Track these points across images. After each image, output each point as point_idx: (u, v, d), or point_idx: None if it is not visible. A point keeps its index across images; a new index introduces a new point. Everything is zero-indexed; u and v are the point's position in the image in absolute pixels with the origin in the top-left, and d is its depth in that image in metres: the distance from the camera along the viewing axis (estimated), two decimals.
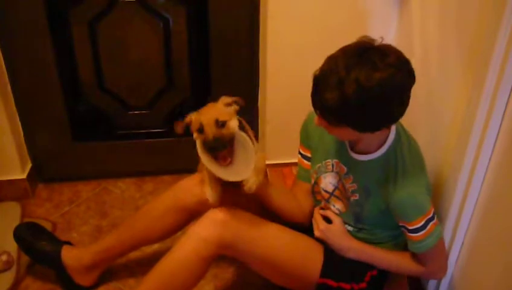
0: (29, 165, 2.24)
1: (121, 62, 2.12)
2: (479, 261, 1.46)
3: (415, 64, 1.79)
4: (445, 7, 1.65)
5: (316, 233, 1.53)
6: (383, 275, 1.56)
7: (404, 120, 1.46)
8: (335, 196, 1.55)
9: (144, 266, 1.80)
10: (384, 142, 1.40)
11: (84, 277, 1.75)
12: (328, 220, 1.54)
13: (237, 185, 1.42)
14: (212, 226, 1.43)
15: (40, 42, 1.98)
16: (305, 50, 2.01)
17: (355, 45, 1.25)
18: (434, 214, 1.39)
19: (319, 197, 1.60)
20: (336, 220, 1.53)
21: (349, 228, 1.54)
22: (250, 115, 2.20)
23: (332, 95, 1.21)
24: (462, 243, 1.53)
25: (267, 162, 1.57)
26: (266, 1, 1.96)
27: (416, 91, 1.65)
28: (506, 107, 1.31)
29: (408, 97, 1.27)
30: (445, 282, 1.60)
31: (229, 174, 1.41)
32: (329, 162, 1.53)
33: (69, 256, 1.74)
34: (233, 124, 1.43)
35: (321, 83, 1.24)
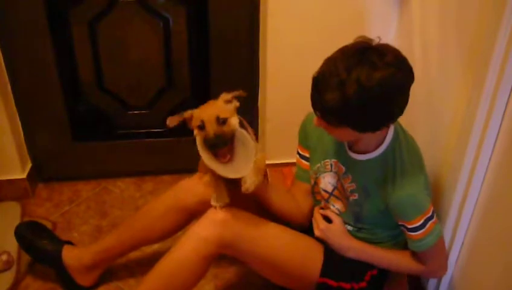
0: (29, 165, 2.24)
1: (121, 62, 2.12)
2: (479, 261, 1.46)
3: (415, 64, 1.80)
4: (445, 7, 1.65)
5: (316, 232, 1.53)
6: (383, 275, 1.57)
7: (404, 120, 1.47)
8: (334, 196, 1.55)
9: (144, 266, 1.80)
10: (383, 141, 1.40)
11: (84, 276, 1.75)
12: (328, 220, 1.54)
13: (237, 185, 1.42)
14: (212, 226, 1.43)
15: (40, 42, 1.98)
16: (305, 50, 2.01)
17: (353, 46, 1.25)
18: (433, 212, 1.39)
19: (318, 197, 1.61)
20: (336, 219, 1.53)
21: (349, 227, 1.54)
22: (250, 114, 2.20)
23: (333, 96, 1.21)
24: (462, 243, 1.53)
25: (267, 162, 1.57)
26: (266, 1, 1.96)
27: (416, 91, 1.65)
28: (506, 107, 1.31)
29: (408, 95, 1.27)
30: (445, 282, 1.60)
31: (228, 172, 1.41)
32: (328, 162, 1.53)
33: (70, 256, 1.74)
34: (234, 121, 1.44)
35: (321, 84, 1.24)
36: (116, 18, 2.01)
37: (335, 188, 1.54)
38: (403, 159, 1.38)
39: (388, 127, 1.37)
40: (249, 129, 1.50)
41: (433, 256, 1.45)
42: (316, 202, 1.63)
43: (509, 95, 1.30)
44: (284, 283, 1.58)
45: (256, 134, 2.03)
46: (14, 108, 2.11)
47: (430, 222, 1.37)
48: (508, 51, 1.26)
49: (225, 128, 1.41)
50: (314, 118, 1.35)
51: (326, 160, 1.54)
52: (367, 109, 1.23)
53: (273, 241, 1.49)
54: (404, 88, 1.25)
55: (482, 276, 1.45)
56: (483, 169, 1.41)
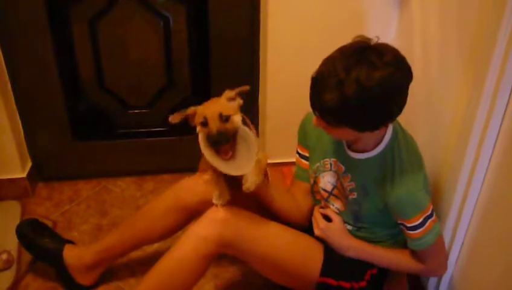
0: (29, 164, 2.24)
1: (121, 61, 2.12)
2: (479, 261, 1.46)
3: (416, 64, 1.80)
4: (445, 7, 1.65)
5: (316, 232, 1.53)
6: (383, 274, 1.57)
7: (404, 120, 1.47)
8: (334, 195, 1.55)
9: (145, 265, 1.80)
10: (381, 140, 1.40)
11: (85, 276, 1.75)
12: (328, 219, 1.54)
13: (238, 184, 1.42)
14: (212, 225, 1.43)
15: (40, 40, 1.98)
16: (306, 49, 2.01)
17: (352, 45, 1.25)
18: (433, 211, 1.39)
19: (318, 197, 1.61)
20: (336, 218, 1.53)
21: (349, 227, 1.54)
22: (250, 114, 2.19)
23: (332, 96, 1.21)
24: (462, 243, 1.53)
25: (267, 161, 1.57)
26: (266, 0, 1.96)
27: (416, 91, 1.65)
28: (506, 107, 1.32)
29: (406, 95, 1.27)
30: (445, 281, 1.60)
31: (230, 169, 1.41)
32: (328, 161, 1.54)
33: (71, 255, 1.74)
34: (237, 118, 1.44)
35: (320, 84, 1.24)
36: (116, 17, 2.01)
37: (334, 187, 1.54)
38: (402, 157, 1.38)
39: (387, 126, 1.37)
40: (251, 127, 1.50)
41: (433, 255, 1.45)
42: (316, 202, 1.63)
43: (510, 94, 1.30)
44: (284, 282, 1.58)
45: (256, 133, 2.03)
46: (14, 107, 2.11)
47: (429, 221, 1.37)
48: (508, 51, 1.26)
49: (228, 125, 1.42)
50: (313, 118, 1.35)
51: (325, 159, 1.54)
52: (366, 109, 1.22)
53: (273, 241, 1.49)
54: (403, 87, 1.25)
55: (482, 276, 1.45)
56: (484, 169, 1.41)
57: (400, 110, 1.28)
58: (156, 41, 2.10)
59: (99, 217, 2.15)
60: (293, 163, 1.69)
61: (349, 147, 1.46)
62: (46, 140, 2.23)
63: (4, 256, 1.82)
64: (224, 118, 1.41)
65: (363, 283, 1.50)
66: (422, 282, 1.72)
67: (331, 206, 1.56)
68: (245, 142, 1.44)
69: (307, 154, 1.62)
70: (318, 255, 1.51)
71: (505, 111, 1.32)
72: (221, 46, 2.12)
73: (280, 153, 2.11)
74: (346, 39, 1.29)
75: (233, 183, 1.47)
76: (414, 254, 1.47)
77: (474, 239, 1.48)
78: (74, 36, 2.04)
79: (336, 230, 1.51)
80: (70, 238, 1.88)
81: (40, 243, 1.74)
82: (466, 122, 1.44)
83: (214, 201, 1.46)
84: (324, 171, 1.55)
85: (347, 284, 1.49)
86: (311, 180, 1.61)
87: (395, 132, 1.41)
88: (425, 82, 1.76)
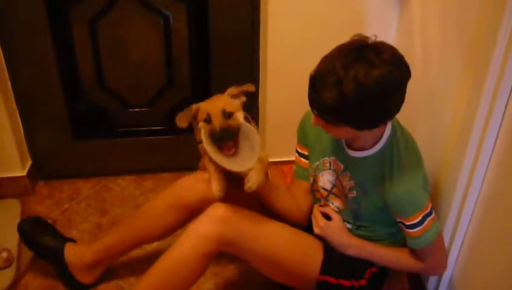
0: (29, 163, 2.25)
1: (121, 60, 2.13)
2: (479, 260, 1.47)
3: (416, 64, 1.80)
4: (445, 7, 1.66)
5: (316, 230, 1.54)
6: (383, 272, 1.57)
7: (405, 119, 1.47)
8: (333, 194, 1.55)
9: (145, 264, 1.81)
10: (380, 138, 1.40)
11: (85, 274, 1.76)
12: (327, 217, 1.54)
13: (238, 183, 1.42)
14: (212, 223, 1.43)
15: (40, 40, 1.98)
16: (306, 49, 2.01)
17: (350, 44, 1.26)
18: (432, 209, 1.39)
19: (318, 196, 1.61)
20: (335, 217, 1.53)
21: (348, 225, 1.54)
22: (250, 113, 2.19)
23: (330, 95, 1.21)
24: (462, 242, 1.53)
25: (268, 160, 1.57)
26: (267, 0, 1.97)
27: (416, 91, 1.65)
28: (506, 106, 1.32)
29: (404, 92, 1.27)
30: (445, 280, 1.61)
31: (233, 165, 1.41)
32: (327, 160, 1.54)
33: (71, 253, 1.74)
34: (240, 115, 1.45)
35: (318, 82, 1.24)
36: (116, 16, 2.01)
37: (334, 186, 1.54)
38: (401, 155, 1.39)
39: (385, 124, 1.37)
40: (253, 124, 1.50)
41: (432, 253, 1.45)
42: (316, 200, 1.63)
43: (510, 94, 1.30)
44: (283, 281, 1.59)
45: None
46: (15, 106, 2.11)
47: (428, 219, 1.38)
48: (508, 51, 1.27)
49: (231, 122, 1.42)
50: (312, 117, 1.35)
51: (324, 158, 1.54)
52: (364, 107, 1.23)
53: (273, 239, 1.49)
54: (401, 85, 1.26)
55: (482, 275, 1.46)
56: (483, 169, 1.41)
57: (398, 108, 1.28)
58: (156, 41, 2.10)
59: (99, 215, 2.15)
60: (293, 162, 1.69)
61: (348, 146, 1.47)
62: (46, 139, 2.23)
63: (4, 254, 1.82)
64: (227, 115, 1.42)
65: (363, 281, 1.50)
66: (422, 280, 1.72)
67: (331, 205, 1.56)
68: (247, 139, 1.45)
69: (306, 153, 1.62)
70: (318, 253, 1.52)
71: (504, 111, 1.32)
72: (221, 46, 2.12)
73: (280, 152, 2.12)
74: (346, 39, 1.29)
75: (234, 182, 1.47)
76: (413, 252, 1.47)
77: (474, 238, 1.49)
78: (74, 36, 2.04)
79: (335, 228, 1.52)
80: (70, 237, 1.88)
81: (41, 241, 1.75)
82: (466, 122, 1.44)
83: (214, 191, 1.45)
84: (323, 170, 1.55)
85: (347, 283, 1.49)
86: (311, 179, 1.61)
87: (393, 130, 1.41)
88: (426, 82, 1.76)
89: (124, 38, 2.08)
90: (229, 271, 1.90)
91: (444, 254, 1.52)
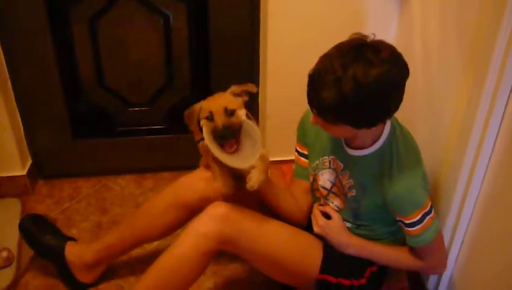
0: (29, 162, 2.25)
1: (121, 59, 2.13)
2: (479, 259, 1.47)
3: (416, 63, 1.80)
4: (445, 6, 1.66)
5: (315, 229, 1.54)
6: (383, 271, 1.57)
7: (405, 118, 1.47)
8: (333, 193, 1.55)
9: (145, 263, 1.81)
10: (379, 137, 1.40)
11: (85, 274, 1.76)
12: (327, 216, 1.54)
13: (239, 181, 1.42)
14: (212, 222, 1.43)
15: (40, 40, 1.98)
16: (306, 49, 2.01)
17: (348, 42, 1.26)
18: (431, 208, 1.39)
19: (317, 195, 1.61)
20: (335, 216, 1.53)
21: (348, 224, 1.54)
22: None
23: (329, 94, 1.22)
24: (462, 242, 1.53)
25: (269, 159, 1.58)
26: (267, 0, 1.97)
27: (416, 90, 1.65)
28: (506, 106, 1.32)
29: (403, 91, 1.27)
30: (445, 280, 1.61)
31: (235, 162, 1.41)
32: (326, 159, 1.54)
33: (72, 252, 1.74)
34: (242, 113, 1.46)
35: (317, 81, 1.24)
36: (116, 15, 2.01)
37: (333, 185, 1.54)
38: (400, 154, 1.39)
39: (384, 122, 1.37)
40: (254, 122, 1.51)
41: (432, 252, 1.46)
42: (315, 199, 1.63)
43: (510, 94, 1.31)
44: (283, 280, 1.59)
45: None
46: (15, 105, 2.11)
47: (427, 217, 1.38)
48: (508, 50, 1.27)
49: (233, 119, 1.43)
50: (311, 116, 1.35)
51: (324, 157, 1.54)
52: (363, 106, 1.23)
53: (273, 238, 1.49)
54: (399, 84, 1.26)
55: (482, 274, 1.46)
56: (483, 168, 1.41)
57: (396, 106, 1.28)
58: (156, 40, 2.10)
59: (99, 214, 2.15)
60: (292, 161, 1.69)
61: (347, 145, 1.47)
62: (46, 138, 2.23)
63: (4, 254, 1.82)
64: (230, 113, 1.42)
65: (363, 280, 1.51)
66: (422, 279, 1.72)
67: (331, 204, 1.56)
68: (249, 136, 1.45)
69: (306, 152, 1.62)
70: (317, 252, 1.52)
71: (504, 110, 1.33)
72: (221, 45, 2.12)
73: (280, 151, 2.12)
74: (346, 38, 1.29)
75: (235, 181, 1.47)
76: (413, 251, 1.47)
77: (474, 238, 1.49)
78: (74, 35, 2.04)
79: (335, 227, 1.52)
80: (71, 236, 1.88)
81: (42, 239, 1.75)
82: (466, 122, 1.44)
83: (222, 188, 1.46)
84: (323, 169, 1.55)
85: (347, 282, 1.49)
86: (311, 178, 1.61)
87: (393, 129, 1.41)
88: (426, 82, 1.76)
89: (124, 37, 2.08)
90: (229, 270, 1.90)
91: (444, 253, 1.52)
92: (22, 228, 1.77)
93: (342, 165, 1.49)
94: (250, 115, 1.51)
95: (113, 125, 2.28)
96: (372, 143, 1.41)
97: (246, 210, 1.49)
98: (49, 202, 2.22)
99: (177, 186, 1.68)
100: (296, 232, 1.54)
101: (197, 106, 1.47)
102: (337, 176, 1.52)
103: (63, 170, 2.34)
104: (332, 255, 1.52)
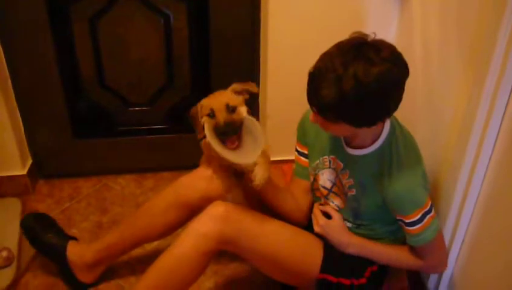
0: (29, 161, 2.25)
1: (121, 59, 2.13)
2: (480, 259, 1.47)
3: (416, 62, 1.80)
4: (445, 6, 1.66)
5: (316, 228, 1.54)
6: (383, 271, 1.57)
7: (405, 118, 1.47)
8: (333, 193, 1.55)
9: (145, 263, 1.80)
10: (379, 136, 1.40)
11: (86, 274, 1.76)
12: (327, 216, 1.54)
13: (240, 180, 1.42)
14: (212, 222, 1.43)
15: (40, 38, 1.98)
16: (306, 49, 2.01)
17: (349, 41, 1.26)
18: (431, 207, 1.39)
19: (318, 194, 1.61)
20: (336, 215, 1.53)
21: (349, 224, 1.54)
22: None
23: (329, 92, 1.22)
24: (463, 241, 1.53)
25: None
26: (267, 0, 1.97)
27: (416, 90, 1.65)
28: (506, 105, 1.32)
29: (403, 90, 1.28)
30: (445, 279, 1.61)
31: (237, 157, 1.41)
32: (326, 158, 1.54)
33: (74, 252, 1.74)
34: (243, 110, 1.46)
35: (317, 80, 1.24)
36: (116, 15, 2.01)
37: (334, 184, 1.54)
38: (400, 153, 1.39)
39: (384, 122, 1.37)
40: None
41: (432, 251, 1.46)
42: (316, 199, 1.63)
43: (510, 94, 1.31)
44: (284, 279, 1.59)
45: None
46: (15, 104, 2.11)
47: (428, 216, 1.38)
48: (509, 50, 1.27)
49: (235, 116, 1.43)
50: (311, 114, 1.35)
51: (324, 157, 1.54)
52: (364, 104, 1.23)
53: (273, 237, 1.49)
54: (400, 83, 1.26)
55: (482, 274, 1.46)
56: (484, 167, 1.41)
57: (396, 105, 1.28)
58: (156, 40, 2.10)
59: (99, 214, 2.15)
60: (293, 161, 1.69)
61: (347, 144, 1.47)
62: (46, 137, 2.23)
63: (4, 253, 1.82)
64: (231, 109, 1.43)
65: (363, 280, 1.51)
66: (422, 279, 1.72)
67: (331, 204, 1.56)
68: (250, 133, 1.45)
69: (306, 152, 1.62)
70: (318, 252, 1.52)
71: (505, 110, 1.33)
72: (222, 45, 2.12)
73: (280, 151, 2.11)
74: (346, 38, 1.29)
75: (236, 180, 1.48)
76: (413, 250, 1.47)
77: (474, 237, 1.49)
78: (75, 34, 2.04)
79: (335, 227, 1.52)
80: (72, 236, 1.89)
81: (44, 238, 1.75)
82: (466, 121, 1.44)
83: (226, 194, 1.47)
84: (323, 169, 1.55)
85: (347, 281, 1.49)
86: (311, 178, 1.61)
87: (392, 128, 1.41)
88: (426, 81, 1.76)
89: (124, 37, 2.08)
90: (229, 270, 1.90)
91: (445, 252, 1.52)
92: (24, 225, 1.77)
93: (342, 165, 1.49)
94: (250, 113, 1.51)
95: (113, 124, 2.28)
96: (372, 142, 1.41)
97: (246, 210, 1.49)
98: (49, 201, 2.22)
99: (178, 185, 1.68)
100: (296, 232, 1.54)
101: (198, 106, 1.48)
102: (337, 176, 1.52)
103: (63, 170, 2.34)
104: (332, 254, 1.52)
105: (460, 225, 1.51)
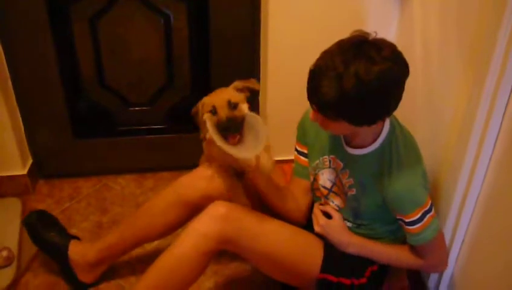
0: (29, 161, 2.25)
1: (121, 59, 2.13)
2: (480, 258, 1.47)
3: (416, 62, 1.80)
4: (445, 6, 1.66)
5: (316, 228, 1.54)
6: (384, 270, 1.57)
7: (405, 118, 1.47)
8: (333, 192, 1.55)
9: (145, 263, 1.80)
10: (379, 135, 1.40)
11: (86, 274, 1.76)
12: (327, 216, 1.54)
13: (241, 180, 1.43)
14: (212, 222, 1.43)
15: (40, 38, 1.98)
16: (306, 48, 2.00)
17: (350, 40, 1.26)
18: (431, 206, 1.39)
19: (318, 194, 1.61)
20: (336, 215, 1.53)
21: (349, 224, 1.54)
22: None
23: (330, 90, 1.22)
24: (463, 241, 1.53)
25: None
26: (267, 0, 1.97)
27: (416, 89, 1.65)
28: (507, 105, 1.32)
29: (403, 89, 1.28)
30: (445, 279, 1.61)
31: (238, 152, 1.41)
32: (326, 158, 1.54)
33: (76, 251, 1.74)
34: (245, 106, 1.47)
35: (318, 77, 1.24)
36: (116, 15, 2.01)
37: (334, 184, 1.54)
38: (399, 153, 1.39)
39: (384, 120, 1.37)
40: None
41: (432, 250, 1.46)
42: (316, 199, 1.63)
43: (510, 93, 1.31)
44: (284, 279, 1.59)
45: None
46: (15, 104, 2.11)
47: (428, 216, 1.38)
48: (509, 50, 1.27)
49: (236, 112, 1.44)
50: (310, 112, 1.35)
51: (324, 156, 1.55)
52: (364, 103, 1.23)
53: (273, 237, 1.49)
54: (400, 82, 1.26)
55: (482, 273, 1.46)
56: (484, 167, 1.41)
57: (396, 104, 1.29)
58: (156, 39, 2.10)
59: (99, 214, 2.15)
60: (293, 161, 1.69)
61: (347, 143, 1.47)
62: (46, 137, 2.23)
63: (4, 253, 1.82)
64: (233, 106, 1.43)
65: (363, 280, 1.51)
66: (422, 278, 1.72)
67: (331, 203, 1.56)
68: (252, 129, 1.46)
69: (306, 151, 1.62)
70: (318, 251, 1.52)
71: (505, 110, 1.33)
72: (222, 45, 2.12)
73: (280, 151, 2.11)
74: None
75: (236, 179, 1.48)
76: (414, 249, 1.47)
77: (474, 237, 1.49)
78: (75, 34, 2.04)
79: (335, 227, 1.52)
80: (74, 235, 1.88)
81: (46, 236, 1.75)
82: (466, 121, 1.44)
83: (223, 187, 1.47)
84: (323, 168, 1.55)
85: (347, 281, 1.49)
86: (311, 178, 1.61)
87: (392, 127, 1.42)
88: (426, 81, 1.76)
89: (124, 37, 2.08)
90: (229, 270, 1.90)
91: (445, 252, 1.52)
92: (27, 223, 1.76)
93: (341, 164, 1.49)
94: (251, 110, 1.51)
95: (113, 124, 2.28)
96: (371, 142, 1.41)
97: (246, 209, 1.49)
98: (49, 201, 2.22)
99: (178, 185, 1.68)
100: (296, 232, 1.54)
101: (200, 102, 1.49)
102: (337, 175, 1.52)
103: (64, 170, 2.34)
104: (333, 254, 1.52)
105: (461, 225, 1.51)
